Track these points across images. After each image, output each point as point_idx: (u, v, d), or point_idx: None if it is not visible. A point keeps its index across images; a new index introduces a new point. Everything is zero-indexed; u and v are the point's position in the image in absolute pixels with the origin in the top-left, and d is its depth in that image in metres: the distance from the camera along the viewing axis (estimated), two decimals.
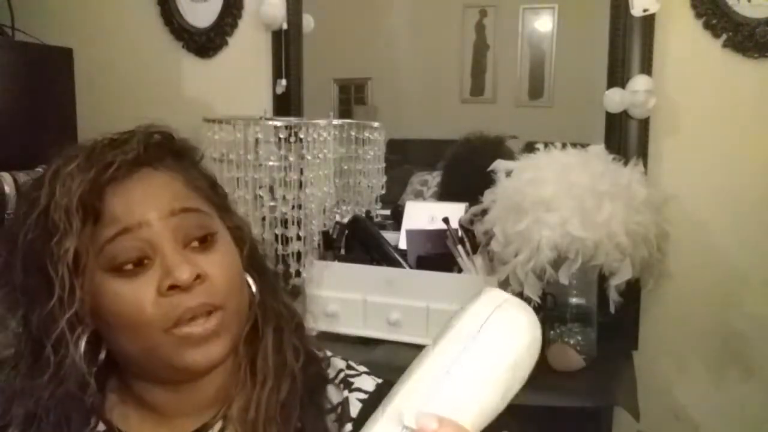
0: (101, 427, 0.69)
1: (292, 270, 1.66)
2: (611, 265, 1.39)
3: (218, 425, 0.69)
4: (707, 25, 1.61)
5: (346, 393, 0.72)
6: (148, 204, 0.65)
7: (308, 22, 1.97)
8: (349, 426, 0.70)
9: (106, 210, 0.64)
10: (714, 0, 1.59)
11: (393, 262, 1.64)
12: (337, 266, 1.64)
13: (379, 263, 1.65)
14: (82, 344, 0.64)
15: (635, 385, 1.51)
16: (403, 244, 1.75)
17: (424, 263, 1.62)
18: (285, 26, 1.92)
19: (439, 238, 1.62)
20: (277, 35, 1.95)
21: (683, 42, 1.63)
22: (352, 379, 0.74)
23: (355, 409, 0.71)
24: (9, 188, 1.63)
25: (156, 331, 0.63)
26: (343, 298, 1.57)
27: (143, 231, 0.64)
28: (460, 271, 1.56)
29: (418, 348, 0.54)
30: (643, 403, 1.44)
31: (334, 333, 1.55)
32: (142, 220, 0.64)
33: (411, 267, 1.63)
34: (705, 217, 1.65)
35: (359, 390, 0.73)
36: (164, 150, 0.70)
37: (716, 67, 1.62)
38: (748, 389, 1.66)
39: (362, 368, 0.76)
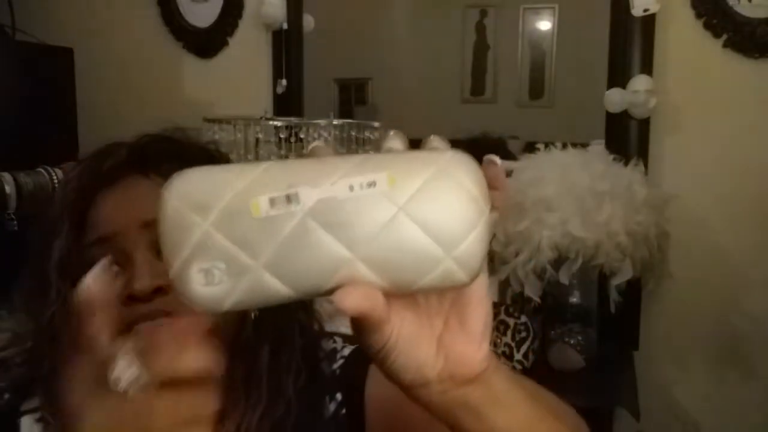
0: None
1: None
2: (611, 265, 1.39)
3: None
4: (707, 25, 1.60)
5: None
6: (126, 213, 0.64)
7: (308, 22, 1.97)
8: None
9: (90, 216, 0.65)
10: (714, 0, 1.59)
11: None
12: None
13: None
14: None
15: (635, 385, 1.51)
16: None
17: None
18: (285, 26, 1.92)
19: None
20: (277, 35, 1.94)
21: (683, 42, 1.63)
22: None
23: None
24: (9, 188, 1.62)
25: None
26: None
27: (117, 241, 0.64)
28: None
29: None
30: (643, 403, 1.44)
31: (334, 333, 1.55)
32: (117, 229, 0.64)
33: None
34: (705, 217, 1.65)
35: None
36: (159, 156, 0.68)
37: (716, 67, 1.62)
38: (748, 389, 1.66)
39: None
